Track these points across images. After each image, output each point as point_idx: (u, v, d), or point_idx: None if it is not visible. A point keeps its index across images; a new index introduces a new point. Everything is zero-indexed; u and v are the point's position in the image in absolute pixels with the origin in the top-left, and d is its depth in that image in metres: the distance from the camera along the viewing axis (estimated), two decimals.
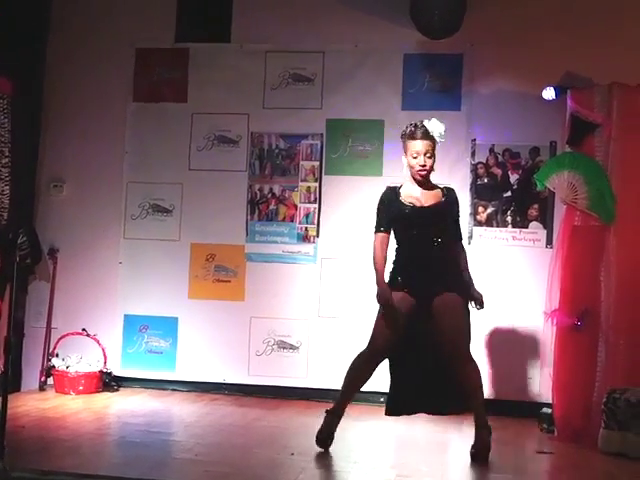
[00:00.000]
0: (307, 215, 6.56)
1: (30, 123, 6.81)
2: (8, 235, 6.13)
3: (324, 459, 4.59)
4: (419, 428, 5.52)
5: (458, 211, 5.02)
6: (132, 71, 6.83)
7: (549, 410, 5.60)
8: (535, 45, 6.25)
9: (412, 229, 4.82)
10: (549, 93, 5.96)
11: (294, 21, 6.66)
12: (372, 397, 6.27)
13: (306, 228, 6.56)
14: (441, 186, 4.95)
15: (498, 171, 6.40)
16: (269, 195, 6.64)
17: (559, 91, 5.88)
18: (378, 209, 4.93)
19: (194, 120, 6.74)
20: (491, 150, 6.39)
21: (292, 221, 6.58)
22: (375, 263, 4.84)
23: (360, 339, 6.25)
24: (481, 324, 6.14)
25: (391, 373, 4.96)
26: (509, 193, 6.38)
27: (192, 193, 6.72)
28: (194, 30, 6.77)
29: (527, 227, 6.32)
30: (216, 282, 6.68)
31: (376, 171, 6.49)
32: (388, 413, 4.98)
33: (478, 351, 6.17)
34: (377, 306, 4.83)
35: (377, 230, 4.89)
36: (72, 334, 6.53)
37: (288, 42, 6.65)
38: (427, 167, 4.80)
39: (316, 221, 6.56)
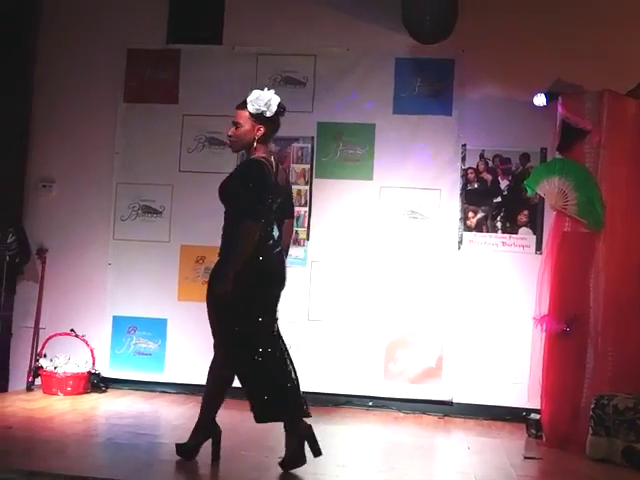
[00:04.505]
0: (297, 218, 6.55)
1: (19, 123, 6.79)
2: None
3: (312, 463, 4.56)
4: (405, 432, 5.53)
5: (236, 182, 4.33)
6: (123, 72, 6.82)
7: (537, 416, 5.60)
8: (526, 51, 6.27)
9: None
10: (540, 99, 5.98)
11: (286, 24, 6.66)
12: (358, 400, 6.30)
13: (296, 231, 6.55)
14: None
15: (488, 176, 6.42)
16: None
17: (550, 97, 5.91)
18: None
19: (185, 121, 6.72)
20: (481, 155, 6.41)
21: None
22: None
23: (346, 339, 6.30)
24: (471, 329, 6.16)
25: None
26: (499, 199, 6.40)
27: (182, 195, 6.71)
28: (186, 31, 6.77)
29: (517, 233, 6.33)
30: (206, 284, 6.61)
31: (367, 175, 6.49)
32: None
33: (467, 356, 6.21)
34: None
35: None
36: (60, 335, 6.51)
37: (279, 44, 6.63)
38: (232, 137, 4.46)
39: (306, 224, 6.55)
